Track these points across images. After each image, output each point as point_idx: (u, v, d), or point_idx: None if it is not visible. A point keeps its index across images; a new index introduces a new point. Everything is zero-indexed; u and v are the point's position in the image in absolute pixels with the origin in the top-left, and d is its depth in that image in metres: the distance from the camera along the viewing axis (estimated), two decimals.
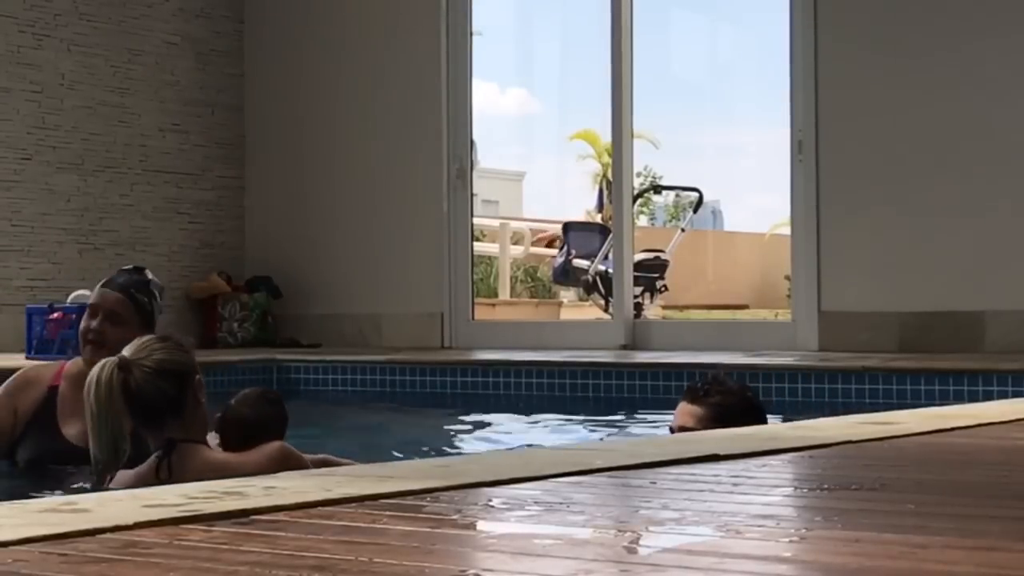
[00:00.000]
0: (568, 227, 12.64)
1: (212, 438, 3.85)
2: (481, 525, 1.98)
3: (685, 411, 3.83)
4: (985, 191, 7.42)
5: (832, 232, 7.73)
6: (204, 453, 3.70)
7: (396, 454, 5.00)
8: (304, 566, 1.59)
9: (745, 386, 4.03)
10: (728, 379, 3.98)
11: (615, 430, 6.11)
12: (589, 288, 12.07)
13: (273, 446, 3.70)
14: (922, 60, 7.57)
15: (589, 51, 18.27)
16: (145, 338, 3.83)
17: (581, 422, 6.36)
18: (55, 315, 7.36)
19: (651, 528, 1.90)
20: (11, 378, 4.53)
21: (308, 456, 3.79)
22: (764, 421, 3.87)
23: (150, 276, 4.52)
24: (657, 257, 11.80)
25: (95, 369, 3.72)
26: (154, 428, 3.73)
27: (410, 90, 8.97)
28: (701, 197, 13.01)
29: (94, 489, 3.68)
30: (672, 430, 3.86)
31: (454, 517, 1.97)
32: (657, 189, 17.66)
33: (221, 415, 3.84)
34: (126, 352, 3.74)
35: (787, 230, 8.44)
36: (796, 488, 2.45)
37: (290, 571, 1.57)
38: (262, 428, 3.78)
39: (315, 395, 7.45)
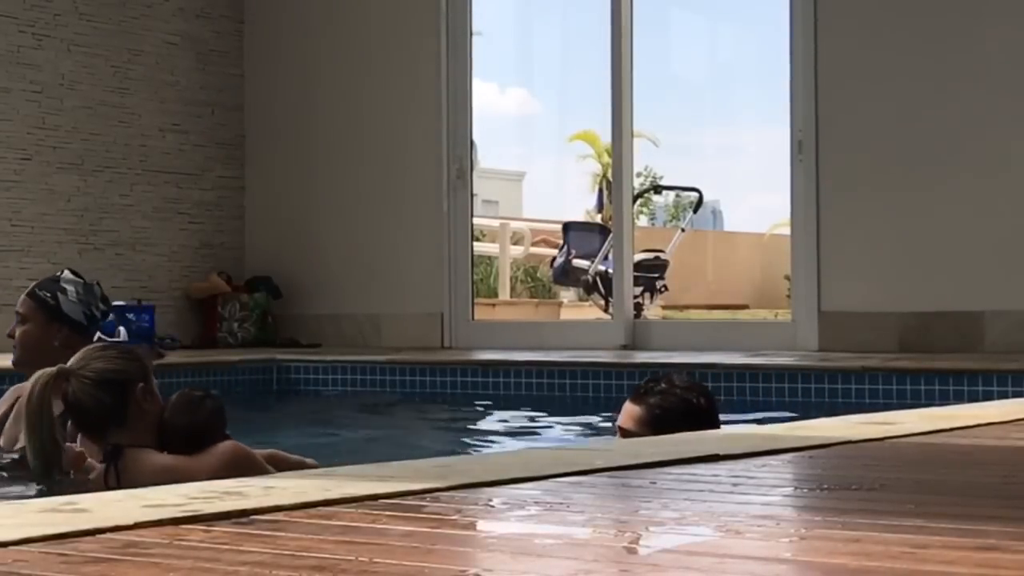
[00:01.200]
0: (568, 227, 12.63)
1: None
2: (481, 525, 1.98)
3: (626, 410, 3.61)
4: (985, 191, 7.41)
5: (832, 232, 7.73)
6: (152, 457, 3.66)
7: (396, 454, 5.00)
8: (304, 566, 1.59)
9: (693, 388, 3.65)
10: (682, 380, 3.66)
11: (615, 430, 6.10)
12: (589, 288, 12.07)
13: (225, 446, 3.66)
14: (922, 60, 7.57)
15: (589, 51, 18.27)
16: (90, 347, 3.86)
17: (581, 422, 6.36)
18: None
19: (651, 528, 1.90)
20: None
21: (257, 452, 3.76)
22: (712, 427, 3.56)
23: (63, 273, 4.62)
24: (657, 257, 11.80)
25: (32, 378, 3.75)
26: (96, 437, 3.72)
27: (410, 90, 8.97)
28: (701, 197, 13.01)
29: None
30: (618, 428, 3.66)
31: (454, 517, 1.97)
32: (657, 189, 17.69)
33: (160, 429, 3.73)
34: (71, 361, 3.75)
35: (787, 230, 8.44)
36: (796, 488, 2.45)
37: (290, 571, 1.57)
38: (204, 431, 3.71)
39: (315, 395, 7.45)
